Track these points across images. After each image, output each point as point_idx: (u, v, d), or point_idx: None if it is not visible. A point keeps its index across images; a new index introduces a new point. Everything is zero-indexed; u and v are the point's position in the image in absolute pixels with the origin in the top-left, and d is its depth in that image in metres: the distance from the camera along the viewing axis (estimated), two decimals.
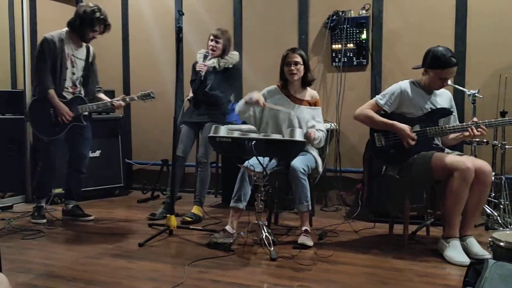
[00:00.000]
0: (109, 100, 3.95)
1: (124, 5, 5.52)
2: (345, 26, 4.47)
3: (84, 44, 3.92)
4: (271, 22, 4.85)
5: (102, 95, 4.05)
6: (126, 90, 5.53)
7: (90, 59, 3.97)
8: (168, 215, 3.49)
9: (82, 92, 3.93)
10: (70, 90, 3.84)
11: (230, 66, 4.02)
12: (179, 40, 3.47)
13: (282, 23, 4.80)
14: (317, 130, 3.40)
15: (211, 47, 3.98)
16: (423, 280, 2.57)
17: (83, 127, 3.93)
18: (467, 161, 2.87)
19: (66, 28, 3.83)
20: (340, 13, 4.49)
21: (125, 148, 5.23)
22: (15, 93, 5.09)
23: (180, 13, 3.48)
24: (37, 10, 5.55)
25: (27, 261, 2.92)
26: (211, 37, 3.99)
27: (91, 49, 4.00)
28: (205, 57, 4.05)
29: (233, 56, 4.06)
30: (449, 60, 3.00)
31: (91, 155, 4.84)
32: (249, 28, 4.98)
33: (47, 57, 3.70)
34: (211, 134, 3.02)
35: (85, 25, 3.76)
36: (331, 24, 4.50)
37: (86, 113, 3.92)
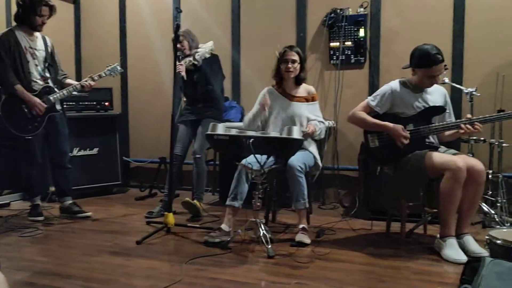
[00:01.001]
0: (77, 83, 3.94)
1: (121, 0, 5.50)
2: (343, 24, 4.46)
3: (39, 35, 3.90)
4: (269, 20, 4.85)
5: (69, 80, 4.05)
6: (124, 87, 5.53)
7: (49, 49, 3.95)
8: (165, 213, 3.49)
9: (51, 82, 3.90)
10: (40, 82, 3.83)
11: (208, 55, 3.99)
12: (177, 37, 3.47)
13: (280, 20, 4.80)
14: (318, 122, 3.43)
15: (179, 48, 3.94)
16: (420, 278, 2.57)
17: (58, 122, 3.91)
18: (459, 161, 2.86)
19: (15, 23, 3.83)
20: (338, 11, 4.49)
21: (122, 145, 5.23)
22: None
23: (178, 10, 3.48)
24: None
25: (25, 259, 2.92)
26: (174, 42, 3.94)
27: (47, 38, 3.98)
28: (180, 59, 4.03)
29: (206, 46, 4.02)
30: (435, 58, 3.00)
31: (88, 152, 4.86)
32: (247, 26, 4.97)
33: (4, 56, 3.68)
34: (208, 132, 3.02)
35: (29, 12, 3.74)
36: (329, 22, 4.50)
37: (58, 101, 3.89)
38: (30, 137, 3.77)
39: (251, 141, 2.89)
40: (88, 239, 3.37)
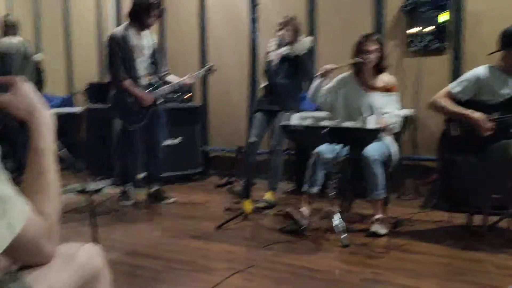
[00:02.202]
0: (178, 80, 4.19)
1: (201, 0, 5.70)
2: (423, 9, 4.31)
3: (146, 33, 4.14)
4: (346, 7, 4.78)
5: (171, 77, 4.28)
6: (204, 81, 5.73)
7: (154, 46, 4.20)
8: (243, 200, 3.62)
9: (155, 78, 4.16)
10: (145, 78, 4.09)
11: (304, 52, 4.05)
12: (253, 30, 3.56)
13: (357, 7, 4.72)
14: (393, 115, 3.36)
15: (281, 35, 4.03)
16: (502, 273, 2.48)
17: (159, 115, 4.16)
18: None
19: (127, 22, 4.09)
20: None
21: (203, 135, 5.46)
22: (103, 84, 5.48)
23: (255, 2, 3.56)
24: (122, 5, 5.90)
25: (116, 240, 3.18)
26: (278, 27, 4.05)
27: (153, 36, 4.23)
28: (278, 46, 4.11)
29: (304, 43, 4.08)
30: None
31: (172, 142, 5.14)
32: (323, 14, 4.94)
33: (117, 52, 3.97)
34: (283, 123, 3.09)
35: (143, 12, 3.97)
36: (408, 8, 4.36)
37: (161, 97, 4.16)
38: (134, 128, 4.07)
39: (325, 131, 2.92)
40: (171, 223, 3.60)
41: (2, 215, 0.87)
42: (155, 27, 5.89)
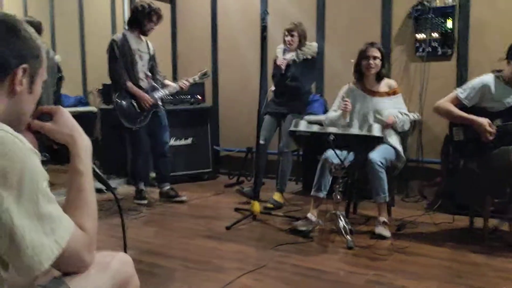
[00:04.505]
0: (175, 84, 4.41)
1: (213, 3, 5.81)
2: (430, 15, 4.41)
3: (144, 39, 4.32)
4: (354, 13, 4.89)
5: (167, 81, 4.50)
6: (215, 82, 5.87)
7: (152, 52, 4.38)
8: (252, 201, 3.77)
9: (153, 81, 4.34)
10: (145, 81, 4.27)
11: (309, 57, 4.17)
12: (263, 38, 3.69)
13: (366, 13, 4.82)
14: (401, 113, 3.49)
15: (287, 41, 4.17)
16: (499, 275, 2.60)
17: (161, 116, 4.34)
18: None
19: (127, 27, 4.28)
20: (425, 2, 4.43)
21: (213, 135, 5.60)
22: None
23: (265, 13, 3.69)
24: None
25: (132, 239, 3.31)
26: (286, 32, 4.18)
27: (150, 43, 4.40)
28: (284, 51, 4.25)
29: (311, 47, 4.21)
30: None
31: (184, 142, 5.29)
32: (332, 20, 5.05)
33: (118, 56, 4.13)
34: (291, 129, 3.22)
35: (144, 17, 4.15)
36: (416, 14, 4.46)
37: (160, 99, 4.33)
38: (137, 129, 4.23)
39: (331, 137, 3.05)
40: (184, 223, 3.75)
41: (51, 233, 1.02)
42: (166, 30, 6.09)
